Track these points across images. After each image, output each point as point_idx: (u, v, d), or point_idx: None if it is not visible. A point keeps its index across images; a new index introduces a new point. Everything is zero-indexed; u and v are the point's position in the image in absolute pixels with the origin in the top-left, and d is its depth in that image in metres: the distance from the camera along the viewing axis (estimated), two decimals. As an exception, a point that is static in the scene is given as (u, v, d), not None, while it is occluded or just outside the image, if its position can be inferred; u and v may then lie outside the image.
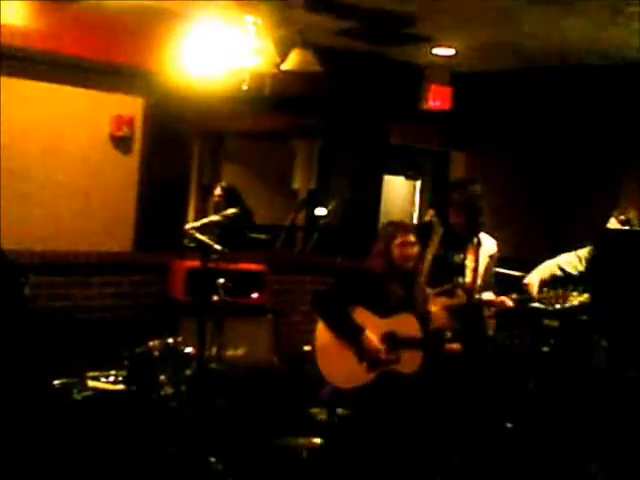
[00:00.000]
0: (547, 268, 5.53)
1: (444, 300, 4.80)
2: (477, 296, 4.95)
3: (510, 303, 4.95)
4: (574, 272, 5.53)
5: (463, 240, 5.07)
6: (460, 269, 5.01)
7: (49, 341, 4.46)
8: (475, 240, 5.08)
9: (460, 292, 4.89)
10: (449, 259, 5.02)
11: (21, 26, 5.48)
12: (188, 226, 6.95)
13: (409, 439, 4.51)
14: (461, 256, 5.04)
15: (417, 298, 4.68)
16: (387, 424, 4.48)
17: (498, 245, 5.22)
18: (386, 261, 4.61)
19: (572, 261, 5.58)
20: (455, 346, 4.72)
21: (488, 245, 5.16)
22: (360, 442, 4.51)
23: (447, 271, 4.94)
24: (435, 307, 4.75)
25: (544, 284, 5.32)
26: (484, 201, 5.10)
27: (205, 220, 7.48)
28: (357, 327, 4.47)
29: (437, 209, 8.14)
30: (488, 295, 5.04)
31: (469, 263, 5.03)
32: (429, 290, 4.86)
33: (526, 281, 5.33)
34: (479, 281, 5.02)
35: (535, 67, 7.10)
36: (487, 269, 5.10)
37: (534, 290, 5.18)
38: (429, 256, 5.00)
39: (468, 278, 5.01)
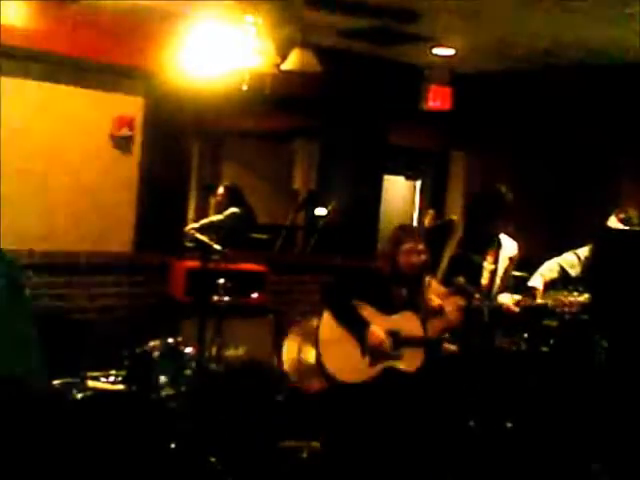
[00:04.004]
0: (549, 269, 5.56)
1: (458, 300, 4.79)
2: (488, 301, 4.94)
3: (515, 309, 4.93)
4: (572, 272, 5.56)
5: (484, 241, 5.07)
6: (478, 270, 5.00)
7: (49, 341, 4.46)
8: (496, 242, 5.08)
9: (475, 293, 4.86)
10: (468, 259, 5.02)
11: (21, 26, 5.48)
12: (189, 227, 6.94)
13: (409, 437, 4.51)
14: (480, 257, 5.04)
15: (421, 300, 4.67)
16: (387, 421, 4.49)
17: (519, 247, 5.21)
18: (391, 265, 4.61)
19: (572, 260, 5.61)
20: (452, 347, 4.71)
21: (508, 247, 5.15)
22: (360, 440, 4.51)
23: (464, 271, 4.92)
24: (449, 307, 4.74)
25: (548, 286, 5.37)
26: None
27: (205, 220, 7.47)
28: (362, 320, 4.48)
29: (437, 209, 8.19)
30: (505, 297, 5.03)
31: (487, 265, 5.03)
32: (442, 289, 4.83)
33: (531, 284, 5.39)
34: (498, 283, 5.02)
35: (535, 67, 7.10)
36: (506, 271, 5.10)
37: (540, 294, 5.24)
38: (447, 255, 5.01)
39: (485, 280, 5.01)
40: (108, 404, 4.37)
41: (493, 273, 5.01)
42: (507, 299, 5.00)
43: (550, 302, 4.95)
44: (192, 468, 4.43)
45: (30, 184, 5.79)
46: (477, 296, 4.94)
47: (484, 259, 5.03)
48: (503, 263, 5.07)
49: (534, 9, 5.30)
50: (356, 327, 4.48)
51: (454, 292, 4.82)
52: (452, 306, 4.75)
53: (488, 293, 4.97)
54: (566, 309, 4.92)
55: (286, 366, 5.55)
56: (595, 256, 5.49)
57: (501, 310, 4.94)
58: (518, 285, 5.37)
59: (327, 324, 4.54)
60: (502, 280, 5.05)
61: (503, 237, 5.13)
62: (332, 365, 4.48)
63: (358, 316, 4.49)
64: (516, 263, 5.22)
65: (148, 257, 6.25)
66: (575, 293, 4.96)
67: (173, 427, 4.46)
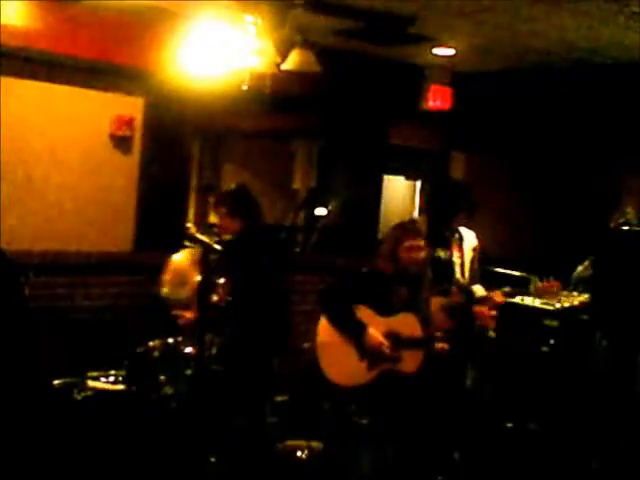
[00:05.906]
0: None
1: (441, 300, 4.80)
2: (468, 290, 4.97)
3: (500, 298, 4.94)
4: None
5: (446, 237, 5.11)
6: (449, 266, 5.03)
7: (49, 341, 4.46)
8: (457, 235, 5.14)
9: (454, 290, 4.89)
10: (438, 258, 5.03)
11: (21, 26, 5.48)
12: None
13: (409, 438, 4.51)
14: (447, 253, 5.07)
15: (421, 300, 4.67)
16: (387, 423, 4.49)
17: (478, 238, 5.26)
18: (393, 263, 4.60)
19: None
20: (442, 346, 4.70)
21: (470, 238, 5.21)
22: (359, 441, 4.51)
23: (438, 270, 4.94)
24: (433, 307, 4.74)
25: None
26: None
27: None
28: (360, 324, 4.47)
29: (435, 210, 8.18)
30: (478, 288, 5.07)
31: (456, 259, 5.06)
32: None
33: None
34: (467, 275, 5.06)
35: (535, 67, 7.10)
36: (472, 262, 5.15)
37: None
38: None
39: (458, 274, 5.04)
40: (108, 404, 4.37)
41: (462, 267, 5.04)
42: (480, 291, 5.04)
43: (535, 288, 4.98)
44: (192, 468, 4.43)
45: (30, 184, 5.79)
46: (478, 295, 4.96)
47: (451, 254, 5.06)
48: (468, 255, 5.11)
49: (534, 9, 5.29)
50: (354, 330, 4.47)
51: (437, 293, 4.83)
52: (435, 306, 4.75)
53: (467, 288, 5.00)
54: (561, 301, 4.95)
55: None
56: (595, 256, 5.50)
57: (491, 303, 4.95)
58: (516, 284, 5.37)
59: (325, 327, 4.54)
60: (471, 272, 5.09)
61: (463, 230, 5.18)
62: (331, 369, 4.48)
63: (355, 319, 4.48)
64: (480, 253, 5.25)
65: (148, 257, 6.24)
66: (575, 293, 4.97)
67: (173, 427, 4.46)
